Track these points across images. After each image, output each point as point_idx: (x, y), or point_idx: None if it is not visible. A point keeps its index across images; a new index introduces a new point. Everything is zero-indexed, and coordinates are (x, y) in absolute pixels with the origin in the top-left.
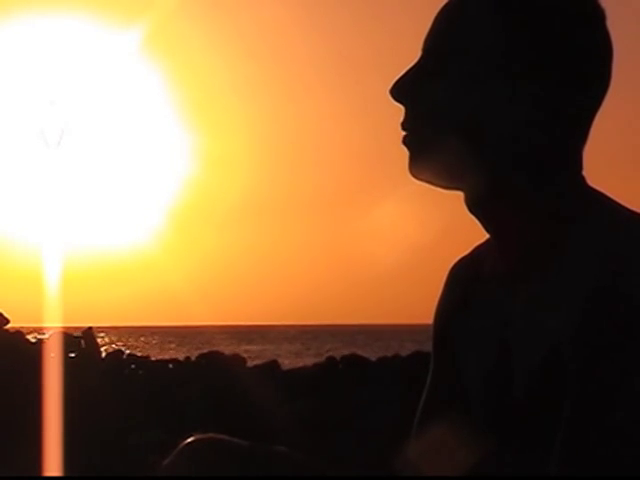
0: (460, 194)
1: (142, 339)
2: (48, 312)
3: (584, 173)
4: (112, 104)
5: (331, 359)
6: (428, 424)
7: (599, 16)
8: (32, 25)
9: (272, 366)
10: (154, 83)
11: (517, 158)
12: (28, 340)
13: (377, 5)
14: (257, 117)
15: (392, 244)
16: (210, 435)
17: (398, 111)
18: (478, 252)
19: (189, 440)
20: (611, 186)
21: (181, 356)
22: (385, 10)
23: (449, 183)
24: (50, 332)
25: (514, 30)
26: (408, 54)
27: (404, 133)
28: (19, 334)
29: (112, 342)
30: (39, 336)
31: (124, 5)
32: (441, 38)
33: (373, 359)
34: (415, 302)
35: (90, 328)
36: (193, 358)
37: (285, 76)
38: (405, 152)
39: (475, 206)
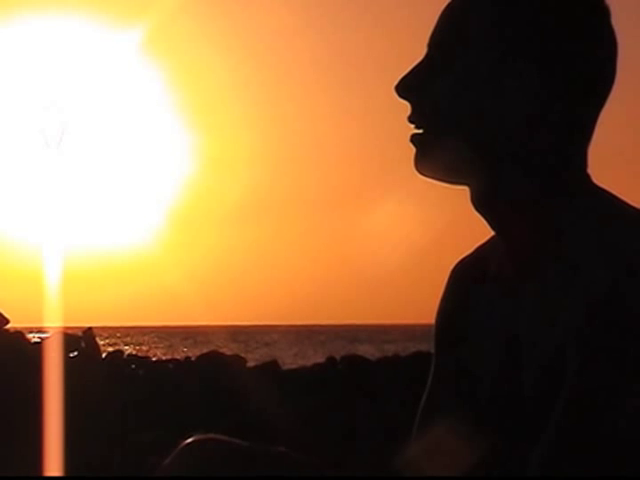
0: (463, 193)
1: (142, 339)
2: (48, 312)
3: (589, 171)
4: (112, 104)
5: (331, 359)
6: (429, 424)
7: (604, 13)
8: (32, 25)
9: (272, 366)
10: (154, 83)
11: (519, 156)
12: (28, 340)
13: (377, 5)
14: (257, 117)
15: (393, 244)
16: (210, 435)
17: (399, 111)
18: (481, 251)
19: (189, 441)
20: (618, 184)
21: (181, 356)
22: (385, 10)
23: (453, 180)
24: (50, 332)
25: (519, 27)
26: (409, 54)
27: (412, 132)
28: (19, 334)
29: (112, 342)
30: (39, 336)
31: (124, 5)
32: (446, 35)
33: (373, 359)
34: (415, 302)
35: (90, 328)
36: (193, 358)
37: (285, 76)
38: (406, 151)
39: (479, 204)
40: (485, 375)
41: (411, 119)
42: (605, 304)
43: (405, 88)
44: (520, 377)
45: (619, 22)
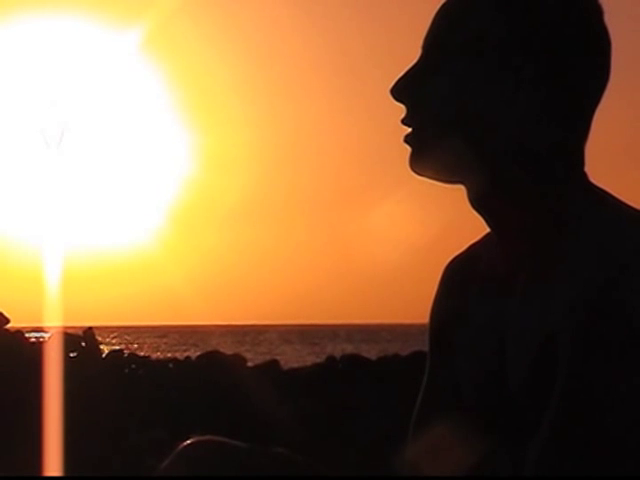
0: (460, 192)
1: (142, 339)
2: (48, 312)
3: (586, 169)
4: (112, 104)
5: (331, 359)
6: (425, 424)
7: (597, 12)
8: (32, 25)
9: (272, 366)
10: (154, 83)
11: (517, 155)
12: (28, 340)
13: (377, 5)
14: (257, 117)
15: (392, 244)
16: (208, 437)
17: (398, 111)
18: (474, 250)
19: (187, 442)
20: (615, 183)
21: (181, 356)
22: (385, 10)
23: (450, 179)
24: (50, 332)
25: (513, 27)
26: (408, 54)
27: (406, 131)
28: (19, 334)
29: (112, 342)
30: (39, 335)
31: (124, 5)
32: (440, 36)
33: (373, 359)
34: (415, 302)
35: (90, 328)
36: (193, 358)
37: (285, 76)
38: (405, 151)
39: (477, 202)
40: (478, 372)
41: (405, 121)
42: (600, 301)
43: (400, 90)
44: (507, 374)
45: (619, 22)
